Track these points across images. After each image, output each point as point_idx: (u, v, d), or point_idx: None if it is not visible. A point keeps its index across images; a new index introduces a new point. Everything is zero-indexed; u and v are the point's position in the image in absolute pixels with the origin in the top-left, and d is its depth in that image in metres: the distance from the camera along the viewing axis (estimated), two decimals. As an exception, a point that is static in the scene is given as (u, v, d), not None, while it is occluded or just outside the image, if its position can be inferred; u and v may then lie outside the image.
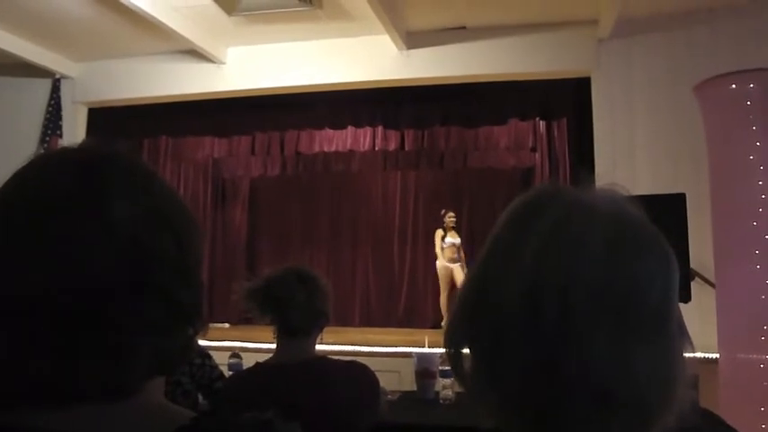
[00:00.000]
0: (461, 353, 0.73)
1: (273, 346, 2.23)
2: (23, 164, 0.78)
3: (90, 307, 0.69)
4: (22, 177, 0.76)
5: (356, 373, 2.20)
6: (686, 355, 0.70)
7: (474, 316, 0.71)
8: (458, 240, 8.35)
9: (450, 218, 8.42)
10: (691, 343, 0.71)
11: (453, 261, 8.21)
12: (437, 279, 9.06)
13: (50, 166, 0.77)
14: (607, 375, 0.64)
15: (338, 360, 2.24)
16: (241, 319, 8.29)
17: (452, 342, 0.74)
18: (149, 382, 0.75)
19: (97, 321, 0.69)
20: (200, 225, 0.82)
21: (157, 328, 0.73)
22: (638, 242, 0.69)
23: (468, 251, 8.93)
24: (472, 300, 0.72)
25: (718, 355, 4.18)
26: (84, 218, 0.71)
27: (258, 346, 5.85)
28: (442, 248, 8.28)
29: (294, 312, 2.13)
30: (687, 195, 4.39)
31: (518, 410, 0.68)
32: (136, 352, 0.71)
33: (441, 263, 8.26)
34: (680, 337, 0.69)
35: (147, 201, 0.76)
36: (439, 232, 8.35)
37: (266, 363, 2.21)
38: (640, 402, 0.65)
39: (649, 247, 0.69)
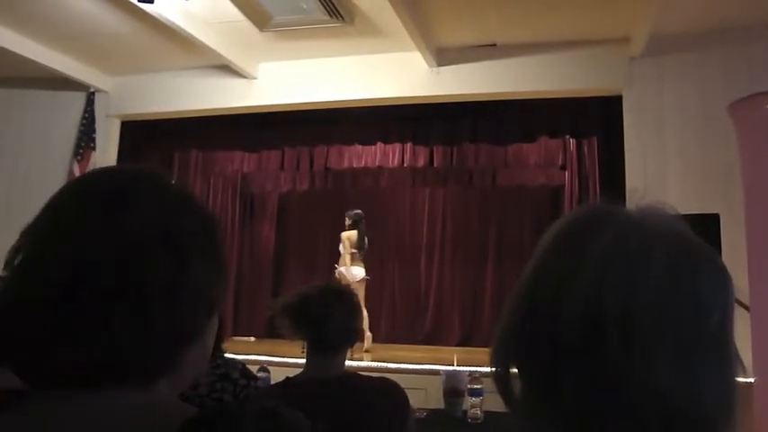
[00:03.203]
0: (509, 373, 0.71)
1: (298, 360, 2.23)
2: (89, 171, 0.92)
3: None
4: (82, 177, 0.88)
5: (387, 390, 2.19)
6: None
7: (524, 337, 0.70)
8: (341, 248, 7.73)
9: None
10: (743, 364, 0.69)
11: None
12: (464, 296, 9.03)
13: (106, 172, 0.89)
14: (674, 396, 0.62)
15: (369, 376, 2.23)
16: (267, 333, 8.31)
17: (500, 361, 0.72)
18: (165, 380, 0.81)
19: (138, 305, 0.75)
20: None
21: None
22: (697, 260, 0.68)
23: (495, 268, 8.90)
24: (521, 320, 0.71)
25: (752, 380, 4.11)
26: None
27: (284, 360, 5.86)
28: None
29: (331, 330, 2.13)
30: (720, 215, 4.33)
31: None
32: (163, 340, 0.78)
33: None
34: (736, 356, 0.68)
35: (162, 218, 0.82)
36: None
37: (297, 378, 2.21)
38: (706, 422, 0.64)
39: (708, 265, 0.68)
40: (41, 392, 0.75)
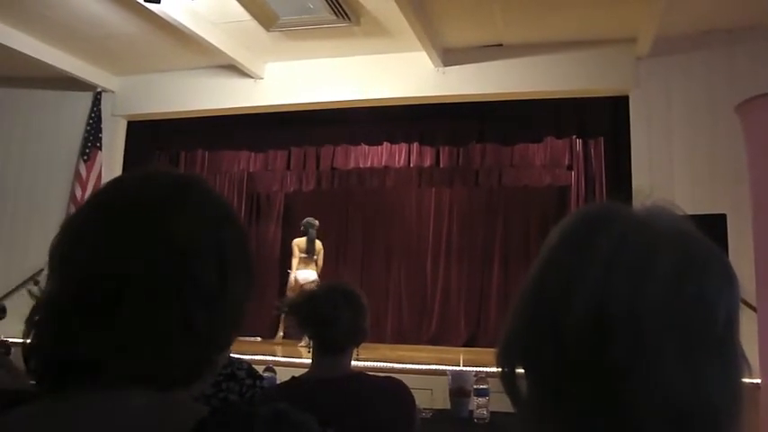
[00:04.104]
0: (516, 372, 0.71)
1: (304, 360, 2.23)
2: (126, 174, 0.94)
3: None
4: (122, 183, 0.89)
5: (394, 390, 2.19)
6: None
7: (530, 336, 0.69)
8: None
9: None
10: (749, 364, 0.69)
11: None
12: (470, 297, 9.02)
13: (149, 178, 0.89)
14: (680, 397, 0.62)
15: (376, 376, 2.23)
16: (273, 333, 8.33)
17: (506, 361, 0.71)
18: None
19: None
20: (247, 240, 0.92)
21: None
22: (703, 260, 0.67)
23: (501, 268, 8.90)
24: (527, 319, 0.70)
25: (759, 381, 4.09)
26: (178, 223, 0.82)
27: (290, 360, 5.86)
28: None
29: (338, 330, 2.13)
30: (727, 216, 4.30)
31: None
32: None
33: None
34: (742, 356, 0.67)
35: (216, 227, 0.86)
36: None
37: (303, 377, 2.21)
38: (712, 422, 0.63)
39: (714, 264, 0.67)
40: (63, 392, 0.76)
